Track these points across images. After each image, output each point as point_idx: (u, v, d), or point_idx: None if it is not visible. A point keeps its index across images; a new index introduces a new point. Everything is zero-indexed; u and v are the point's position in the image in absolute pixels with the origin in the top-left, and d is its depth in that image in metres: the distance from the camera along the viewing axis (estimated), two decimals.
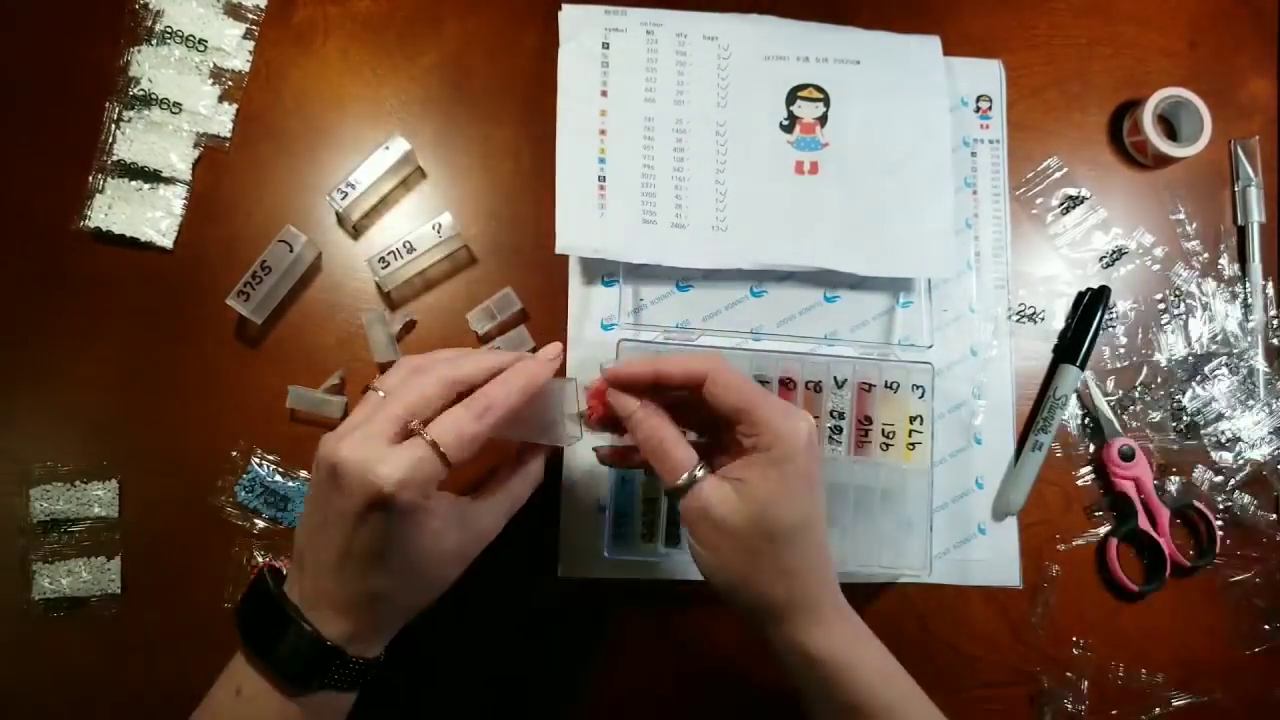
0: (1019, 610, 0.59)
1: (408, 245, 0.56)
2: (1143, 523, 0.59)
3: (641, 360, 0.45)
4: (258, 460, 0.56)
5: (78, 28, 0.60)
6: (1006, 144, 0.64)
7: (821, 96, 0.61)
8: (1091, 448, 0.61)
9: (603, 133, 0.59)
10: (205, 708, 0.43)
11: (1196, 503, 0.60)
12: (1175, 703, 0.59)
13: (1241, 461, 0.62)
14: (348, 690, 0.42)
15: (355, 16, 0.62)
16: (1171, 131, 0.65)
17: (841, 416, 0.56)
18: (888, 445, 0.56)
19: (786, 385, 0.56)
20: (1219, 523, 0.60)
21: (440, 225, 0.56)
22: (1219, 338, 0.63)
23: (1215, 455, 0.62)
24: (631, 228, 0.58)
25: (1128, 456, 0.59)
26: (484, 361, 0.43)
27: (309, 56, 0.61)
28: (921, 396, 0.56)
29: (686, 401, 0.45)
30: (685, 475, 0.42)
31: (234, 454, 0.56)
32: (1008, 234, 0.63)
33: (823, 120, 0.61)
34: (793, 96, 0.61)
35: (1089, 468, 0.61)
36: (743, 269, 0.58)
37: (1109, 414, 0.60)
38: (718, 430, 0.46)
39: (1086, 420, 0.61)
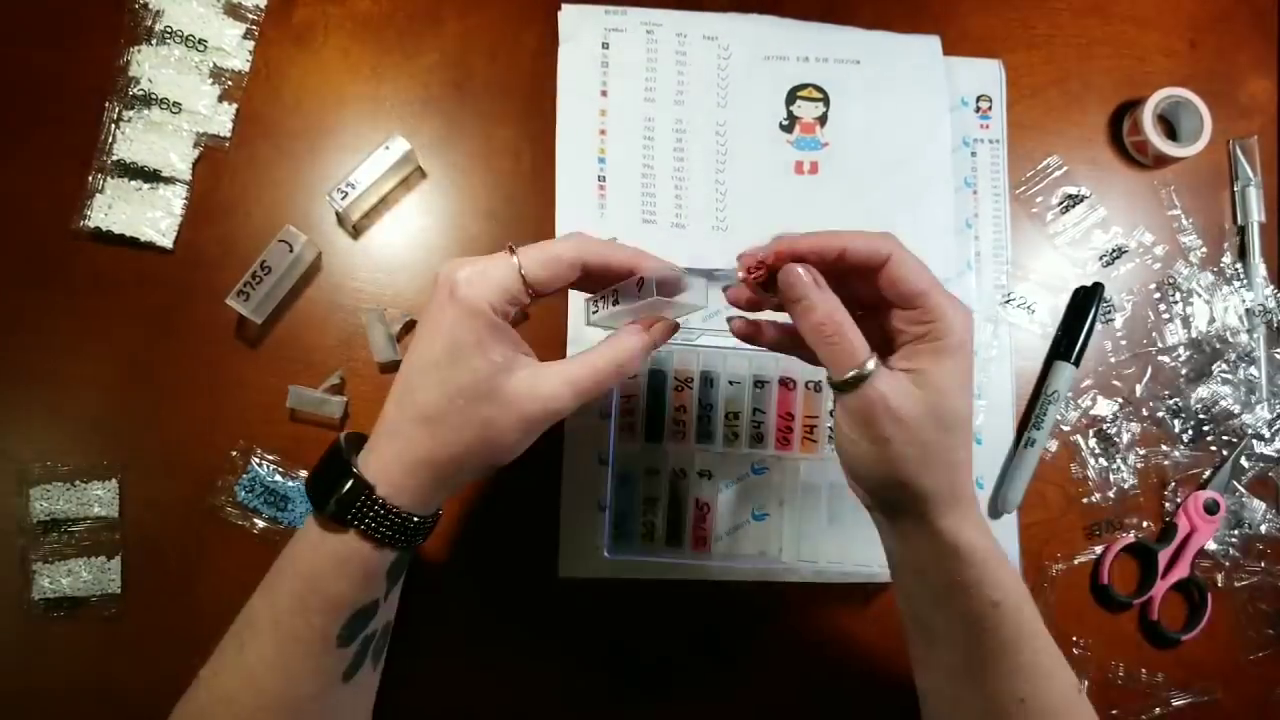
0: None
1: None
2: (1163, 556, 0.59)
3: (822, 234, 0.42)
4: (257, 460, 0.56)
5: (78, 28, 0.60)
6: (1006, 144, 0.64)
7: (821, 96, 0.61)
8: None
9: (602, 132, 0.59)
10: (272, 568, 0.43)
11: (1208, 590, 0.60)
12: (1175, 703, 0.59)
13: (1251, 461, 0.62)
14: (379, 539, 0.40)
15: (355, 16, 0.62)
16: (1171, 131, 0.65)
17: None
18: None
19: (786, 385, 0.56)
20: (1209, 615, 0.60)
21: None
22: (1219, 331, 0.62)
23: (1223, 454, 0.62)
24: (631, 228, 0.58)
25: (1210, 510, 0.59)
26: (618, 250, 0.43)
27: (309, 56, 0.61)
28: None
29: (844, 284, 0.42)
30: (861, 365, 0.39)
31: (233, 454, 0.56)
32: (1008, 234, 0.63)
33: (822, 120, 0.61)
34: (792, 96, 0.61)
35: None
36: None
37: (1229, 471, 0.61)
38: (867, 319, 0.42)
39: (1188, 446, 0.62)
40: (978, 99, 0.64)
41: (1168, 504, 0.61)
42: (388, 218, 0.60)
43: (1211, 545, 0.60)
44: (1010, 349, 0.61)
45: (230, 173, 0.59)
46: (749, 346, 0.56)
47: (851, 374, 0.39)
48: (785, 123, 0.61)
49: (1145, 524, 0.61)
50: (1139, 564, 0.61)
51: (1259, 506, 0.61)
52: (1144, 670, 0.59)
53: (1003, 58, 0.64)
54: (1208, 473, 0.61)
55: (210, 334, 0.58)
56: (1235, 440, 0.62)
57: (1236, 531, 0.61)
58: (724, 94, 0.61)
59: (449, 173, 0.60)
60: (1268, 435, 0.62)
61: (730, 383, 0.57)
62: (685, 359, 0.57)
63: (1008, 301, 0.61)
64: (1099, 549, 0.60)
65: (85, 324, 0.57)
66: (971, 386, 0.41)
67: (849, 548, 0.56)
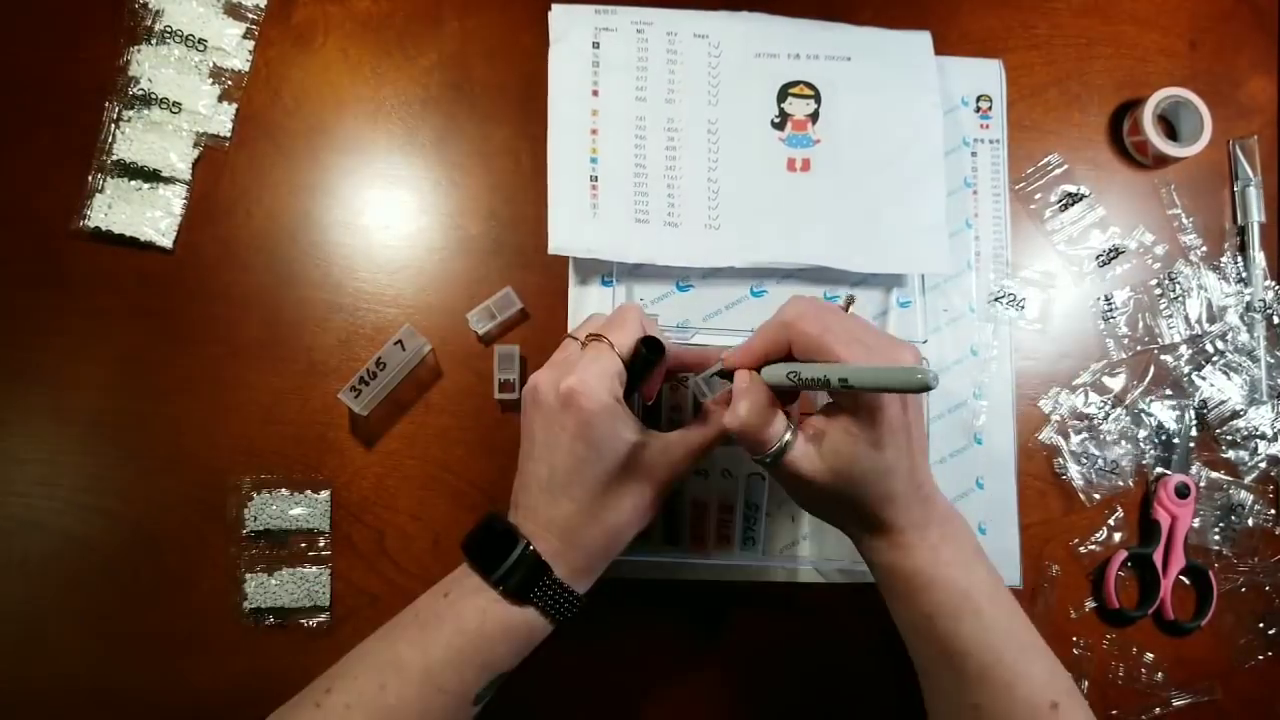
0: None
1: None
2: (1157, 556, 0.59)
3: (744, 347, 0.46)
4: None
5: (77, 27, 0.60)
6: (1007, 144, 0.64)
7: (813, 93, 0.61)
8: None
9: (594, 132, 0.59)
10: (410, 609, 0.46)
11: (1210, 571, 0.60)
12: (1175, 703, 0.59)
13: (1255, 460, 0.62)
14: (552, 615, 0.45)
15: (355, 16, 0.62)
16: (1171, 131, 0.65)
17: None
18: None
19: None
20: (1218, 595, 0.60)
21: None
22: (1220, 331, 0.62)
23: (1230, 454, 0.62)
24: (624, 227, 0.58)
25: (1182, 494, 0.59)
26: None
27: (309, 56, 0.61)
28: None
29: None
30: (782, 440, 0.44)
31: (233, 453, 0.56)
32: (1008, 234, 0.63)
33: (814, 117, 0.61)
34: (784, 94, 0.61)
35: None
36: (735, 267, 0.58)
37: (1187, 447, 0.60)
38: None
39: (1160, 439, 0.61)
40: (978, 99, 0.64)
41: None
42: (388, 217, 0.60)
43: (1202, 541, 0.61)
44: (1010, 348, 0.61)
45: (230, 173, 0.59)
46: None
47: (772, 451, 0.44)
48: (777, 120, 0.61)
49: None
50: (1137, 572, 0.61)
51: (1246, 498, 0.61)
52: (1144, 670, 0.59)
53: (1003, 58, 0.64)
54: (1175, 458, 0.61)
55: (210, 334, 0.58)
56: (1236, 440, 0.62)
57: (1221, 526, 0.61)
58: (715, 92, 0.61)
59: (449, 172, 0.60)
60: (1270, 434, 0.62)
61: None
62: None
63: (997, 299, 0.61)
64: (1100, 553, 0.60)
65: (85, 324, 0.57)
66: (892, 444, 0.43)
67: (849, 548, 0.56)
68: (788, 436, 0.44)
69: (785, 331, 0.44)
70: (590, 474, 0.45)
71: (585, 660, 0.57)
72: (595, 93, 0.60)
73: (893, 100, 0.61)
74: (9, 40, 0.59)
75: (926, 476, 0.46)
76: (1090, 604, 0.60)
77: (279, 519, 0.56)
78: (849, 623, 0.58)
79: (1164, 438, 0.61)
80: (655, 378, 0.50)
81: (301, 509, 0.56)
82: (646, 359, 0.47)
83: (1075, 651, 0.59)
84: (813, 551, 0.58)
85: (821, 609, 0.59)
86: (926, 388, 0.37)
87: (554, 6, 0.61)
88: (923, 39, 0.63)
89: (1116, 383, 0.62)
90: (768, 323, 0.46)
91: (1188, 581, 0.61)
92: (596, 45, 0.60)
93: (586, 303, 0.59)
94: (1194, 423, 0.61)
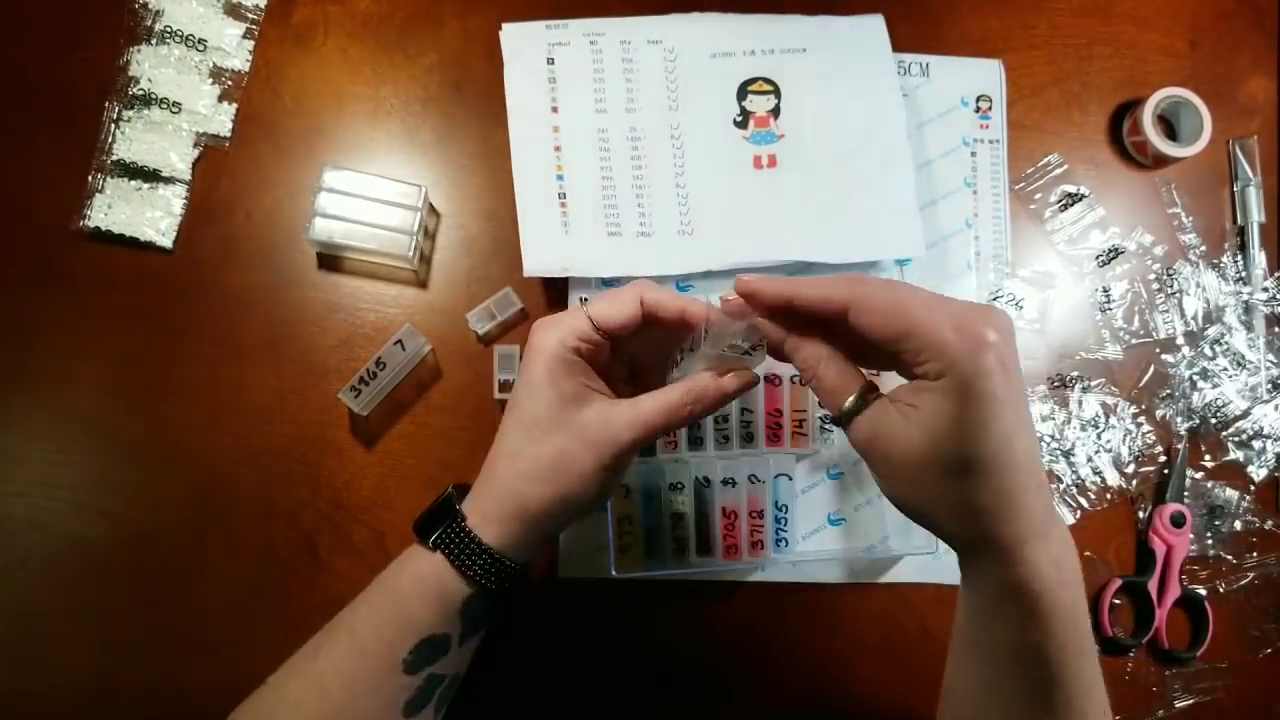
0: None
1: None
2: (1152, 586, 0.59)
3: (776, 280, 0.41)
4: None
5: (77, 27, 0.60)
6: (1006, 144, 0.64)
7: (772, 88, 0.61)
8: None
9: (557, 149, 0.59)
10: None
11: (1206, 602, 0.60)
12: (1178, 704, 0.59)
13: (1263, 460, 0.62)
14: (460, 566, 0.42)
15: (355, 16, 0.62)
16: (1171, 131, 0.65)
17: None
18: None
19: (772, 382, 0.57)
20: (1213, 628, 0.59)
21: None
22: (1220, 330, 0.62)
23: (1235, 454, 0.62)
24: (597, 242, 0.58)
25: (1177, 523, 0.59)
26: (670, 295, 0.44)
27: (309, 56, 0.61)
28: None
29: (835, 327, 0.40)
30: (849, 400, 0.39)
31: (233, 453, 0.56)
32: (1008, 234, 0.63)
33: (775, 112, 0.61)
34: (743, 91, 0.61)
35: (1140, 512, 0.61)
36: (712, 271, 0.58)
37: (1182, 478, 0.60)
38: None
39: (1162, 471, 0.61)
40: (977, 99, 0.64)
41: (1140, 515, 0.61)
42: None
43: (1194, 550, 0.60)
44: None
45: (230, 173, 0.59)
46: None
47: (846, 406, 0.39)
48: (739, 119, 0.60)
49: (1143, 508, 0.61)
50: (1132, 600, 0.61)
51: (1232, 496, 0.61)
52: (1145, 671, 0.59)
53: (1003, 58, 0.64)
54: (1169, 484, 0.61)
55: (210, 334, 0.58)
56: (1237, 439, 0.62)
57: (1210, 532, 0.61)
58: (675, 97, 0.60)
59: (449, 173, 0.60)
60: (1272, 434, 0.62)
61: None
62: None
63: (995, 298, 0.61)
64: (1093, 578, 0.60)
65: (85, 324, 0.57)
66: (998, 421, 0.35)
67: (862, 532, 0.58)
68: (851, 400, 0.39)
69: (846, 289, 0.38)
70: (517, 414, 0.43)
71: (584, 660, 0.57)
72: (554, 109, 0.59)
73: (852, 87, 0.61)
74: (9, 40, 0.59)
75: (1042, 469, 0.38)
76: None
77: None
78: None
79: (1160, 463, 0.61)
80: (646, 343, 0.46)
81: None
82: None
83: None
84: (842, 541, 0.58)
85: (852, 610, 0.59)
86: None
87: (504, 26, 0.60)
88: (875, 23, 0.62)
89: (1115, 381, 0.62)
90: (822, 278, 0.40)
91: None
92: (551, 61, 0.60)
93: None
94: (1185, 448, 0.61)
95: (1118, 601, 0.60)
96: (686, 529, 0.56)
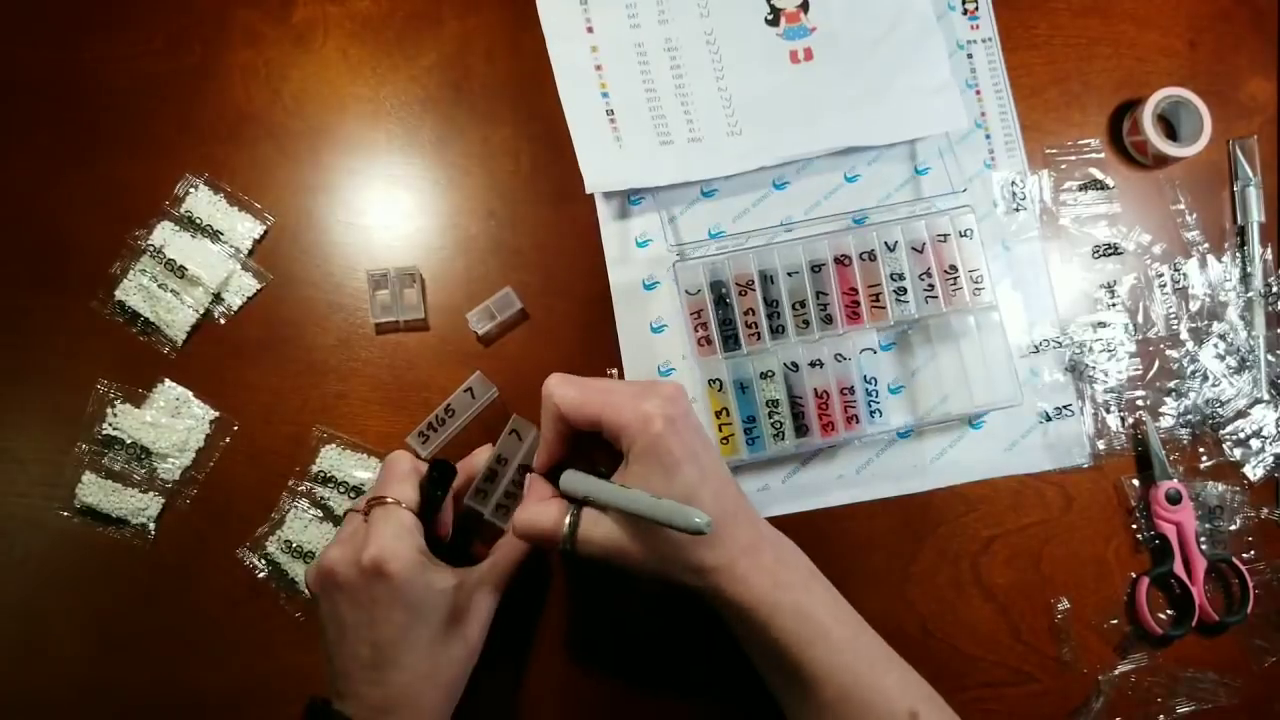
0: (1019, 610, 0.59)
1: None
2: (1178, 568, 0.59)
3: (538, 456, 0.48)
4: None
5: (78, 27, 0.60)
6: (999, 40, 0.64)
7: None
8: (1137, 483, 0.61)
9: (598, 68, 0.60)
10: None
11: (1234, 559, 0.59)
12: (1180, 710, 0.59)
13: (1261, 459, 0.62)
14: None
15: (355, 16, 0.62)
16: (1171, 131, 0.65)
17: (902, 278, 0.57)
18: (956, 290, 0.57)
19: (842, 262, 0.57)
20: (1253, 582, 0.59)
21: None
22: (1221, 331, 0.62)
23: (1234, 453, 0.62)
24: (651, 152, 0.59)
25: (1174, 500, 0.59)
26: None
27: (309, 56, 0.61)
28: (969, 237, 0.58)
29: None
30: (565, 521, 0.44)
31: (233, 453, 0.56)
32: (1017, 131, 0.63)
33: (804, 7, 0.62)
34: None
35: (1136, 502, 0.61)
36: (766, 166, 0.59)
37: (1161, 455, 0.60)
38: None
39: (1139, 454, 0.61)
40: (963, 0, 0.64)
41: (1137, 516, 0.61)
42: (388, 217, 0.60)
43: (1205, 546, 0.60)
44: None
45: (230, 173, 0.59)
46: (783, 239, 0.59)
47: (564, 531, 0.44)
48: (770, 17, 0.62)
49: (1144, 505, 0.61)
50: (1165, 592, 0.60)
51: (1219, 490, 0.61)
52: (1147, 673, 0.59)
53: (1003, 58, 0.64)
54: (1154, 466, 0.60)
55: (210, 334, 0.58)
56: (1238, 438, 0.62)
57: (1209, 526, 0.61)
58: (705, 3, 0.61)
59: (448, 172, 0.60)
60: (1273, 433, 0.62)
61: (789, 274, 0.57)
62: (741, 262, 0.57)
63: (1013, 185, 0.62)
64: (1130, 582, 0.60)
65: (85, 323, 0.57)
66: (678, 474, 0.42)
67: (943, 396, 0.59)
68: (568, 519, 0.44)
69: (561, 422, 0.45)
70: (417, 636, 0.45)
71: (587, 633, 0.57)
72: (590, 29, 0.61)
73: None
74: (9, 40, 0.60)
75: (741, 499, 0.45)
76: (1120, 624, 0.60)
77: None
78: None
79: (1140, 450, 0.61)
80: (448, 509, 0.50)
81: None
82: (439, 481, 0.47)
83: (1068, 657, 0.59)
84: (906, 409, 0.59)
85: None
86: (700, 532, 0.39)
87: None
88: None
89: (1115, 381, 0.62)
90: (544, 418, 0.46)
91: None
92: None
93: (624, 225, 0.60)
94: (1149, 420, 0.61)
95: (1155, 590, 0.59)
96: (783, 413, 0.56)
